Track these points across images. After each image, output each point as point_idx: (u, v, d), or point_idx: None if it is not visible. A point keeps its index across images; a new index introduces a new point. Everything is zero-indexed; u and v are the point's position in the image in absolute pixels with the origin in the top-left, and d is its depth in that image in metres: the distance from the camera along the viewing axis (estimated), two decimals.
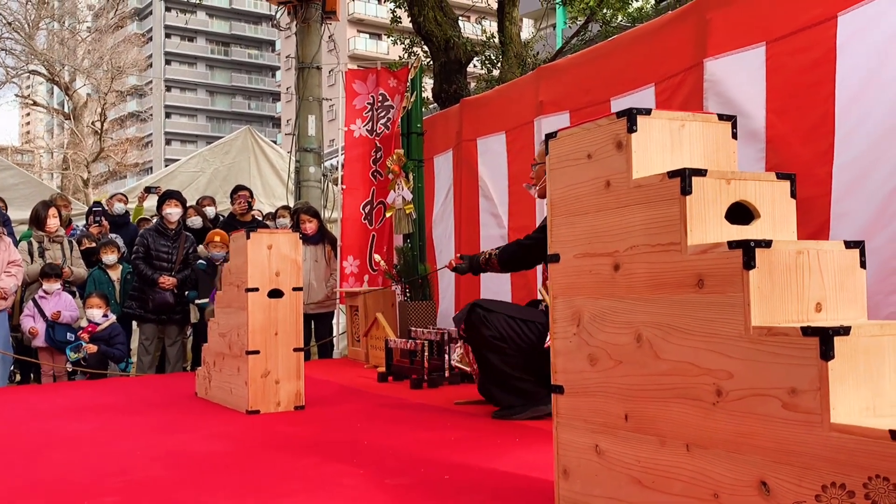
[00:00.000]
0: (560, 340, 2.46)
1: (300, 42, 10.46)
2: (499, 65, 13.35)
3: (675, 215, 2.02)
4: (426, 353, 5.89)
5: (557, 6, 16.22)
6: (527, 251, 4.55)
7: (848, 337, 1.66)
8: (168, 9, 58.73)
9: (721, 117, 2.28)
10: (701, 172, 2.01)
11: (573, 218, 2.40)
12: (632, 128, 2.16)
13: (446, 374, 5.88)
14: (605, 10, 14.21)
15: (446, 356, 5.84)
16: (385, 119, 8.35)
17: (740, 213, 2.08)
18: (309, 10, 9.93)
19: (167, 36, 59.24)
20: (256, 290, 4.90)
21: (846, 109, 4.04)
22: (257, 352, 4.87)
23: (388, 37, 16.70)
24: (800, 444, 1.69)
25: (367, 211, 8.42)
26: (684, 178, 1.99)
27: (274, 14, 10.77)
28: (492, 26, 15.06)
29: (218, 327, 5.47)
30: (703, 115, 2.26)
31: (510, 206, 6.63)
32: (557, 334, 2.47)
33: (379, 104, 8.36)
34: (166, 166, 15.48)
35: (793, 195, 2.11)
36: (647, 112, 2.18)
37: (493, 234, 6.84)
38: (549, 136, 2.49)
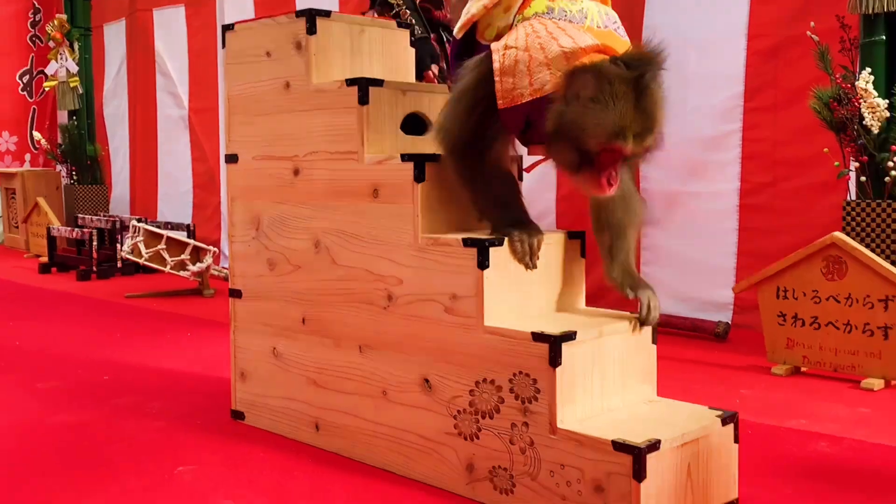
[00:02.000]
0: (238, 244, 2.41)
1: None
2: None
3: (354, 124, 2.03)
4: (95, 243, 5.49)
5: None
6: None
7: (501, 248, 1.82)
8: None
9: (400, 25, 2.30)
10: (378, 83, 2.03)
11: (252, 118, 2.32)
12: (311, 29, 2.10)
13: (118, 264, 5.54)
14: None
15: (118, 246, 5.49)
16: None
17: (416, 123, 2.14)
18: None
19: None
20: None
21: None
22: None
23: None
24: (458, 345, 1.84)
25: (25, 81, 7.46)
26: (361, 88, 2.00)
27: None
28: None
29: None
30: (382, 22, 2.27)
31: (191, 85, 6.24)
32: (236, 238, 2.41)
33: None
34: None
35: None
36: (327, 14, 2.14)
37: (171, 115, 6.43)
38: (227, 28, 2.35)
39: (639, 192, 1.99)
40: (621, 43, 1.74)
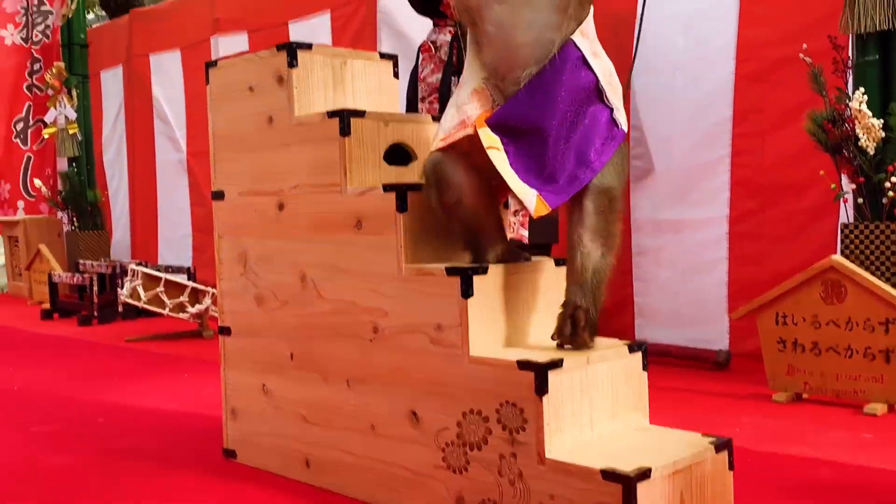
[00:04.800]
0: (226, 282, 2.38)
1: None
2: None
3: (336, 156, 2.02)
4: (95, 288, 5.48)
5: None
6: None
7: (486, 276, 1.79)
8: None
9: (383, 56, 2.30)
10: (359, 113, 2.02)
11: (237, 154, 2.31)
12: (292, 63, 2.10)
13: (119, 309, 5.52)
14: None
15: (118, 290, 5.47)
16: (43, 26, 7.44)
17: (400, 154, 2.13)
18: None
19: None
20: None
21: None
22: None
23: None
24: (444, 376, 1.81)
25: (19, 128, 7.51)
26: (343, 119, 1.99)
27: None
28: None
29: None
30: (365, 53, 2.27)
31: (188, 129, 6.29)
32: (224, 275, 2.39)
33: (35, 8, 7.41)
34: None
35: None
36: (309, 47, 2.14)
37: (170, 160, 6.46)
38: (210, 65, 2.36)
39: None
40: None
